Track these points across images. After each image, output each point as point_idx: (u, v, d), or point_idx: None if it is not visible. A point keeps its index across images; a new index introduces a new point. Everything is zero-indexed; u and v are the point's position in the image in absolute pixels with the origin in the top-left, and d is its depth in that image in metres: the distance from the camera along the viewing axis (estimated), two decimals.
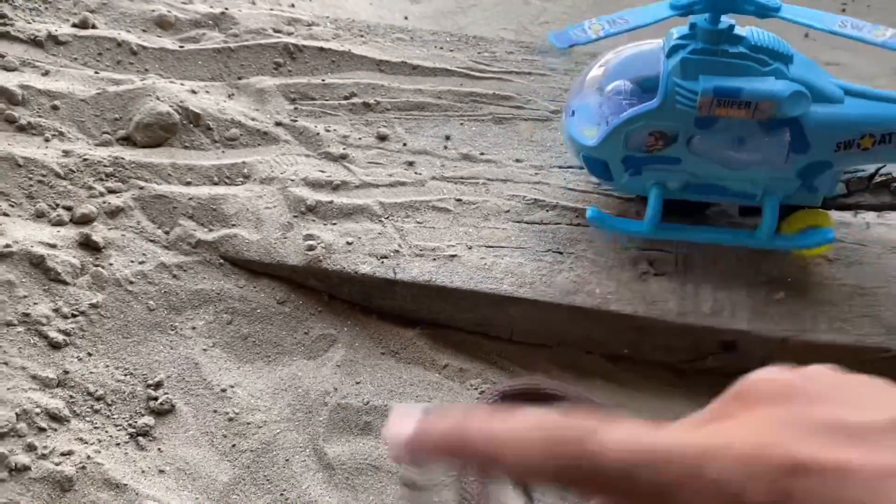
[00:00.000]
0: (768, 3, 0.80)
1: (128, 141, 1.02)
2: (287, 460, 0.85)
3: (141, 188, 0.97)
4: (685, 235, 0.94)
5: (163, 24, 1.17)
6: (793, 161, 0.86)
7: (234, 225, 0.97)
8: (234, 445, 0.85)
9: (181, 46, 1.14)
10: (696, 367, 0.96)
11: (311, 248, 0.95)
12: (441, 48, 1.23)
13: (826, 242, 0.92)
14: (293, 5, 1.35)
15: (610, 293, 0.93)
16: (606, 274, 0.95)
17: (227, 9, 1.20)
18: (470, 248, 0.97)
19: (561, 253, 0.97)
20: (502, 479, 0.71)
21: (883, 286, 0.94)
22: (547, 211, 1.01)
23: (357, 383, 0.91)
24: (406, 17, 1.48)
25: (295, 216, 0.98)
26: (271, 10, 1.25)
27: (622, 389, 0.95)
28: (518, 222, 1.00)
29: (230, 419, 0.86)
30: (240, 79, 1.14)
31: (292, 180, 1.01)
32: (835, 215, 1.01)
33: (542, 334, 0.97)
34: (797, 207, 0.93)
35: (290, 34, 1.20)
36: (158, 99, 1.03)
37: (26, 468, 0.76)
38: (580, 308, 0.93)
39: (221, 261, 0.95)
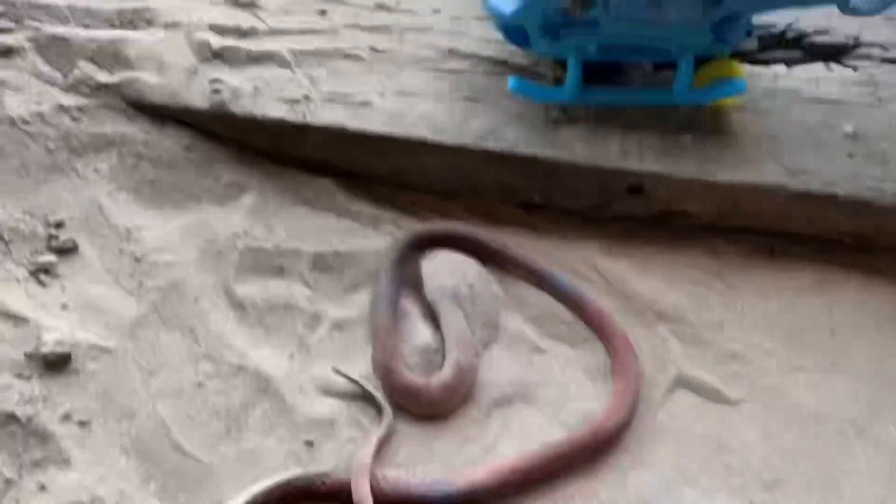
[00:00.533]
0: None
1: None
2: (196, 299, 0.85)
3: (36, 29, 0.93)
4: (606, 99, 0.95)
5: None
6: (707, 15, 0.87)
7: (136, 68, 0.94)
8: (141, 284, 0.84)
9: None
10: (605, 212, 0.98)
11: (216, 91, 0.93)
12: None
13: (738, 93, 0.94)
14: None
15: (521, 138, 0.94)
16: (519, 120, 0.95)
17: None
18: (383, 95, 0.96)
19: (475, 100, 0.97)
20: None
21: (786, 132, 0.97)
22: (463, 60, 1.01)
23: (268, 228, 0.91)
24: None
25: (200, 61, 0.96)
26: None
27: (534, 235, 0.97)
28: (433, 71, 1.00)
29: (137, 259, 0.85)
30: None
31: (198, 25, 0.98)
32: (747, 69, 1.03)
33: (457, 182, 0.98)
34: (708, 59, 0.95)
35: None
36: None
37: None
38: (492, 152, 0.93)
39: (124, 105, 0.93)
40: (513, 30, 0.92)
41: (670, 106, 0.96)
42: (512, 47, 0.96)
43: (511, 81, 0.92)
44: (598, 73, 0.96)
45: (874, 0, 0.89)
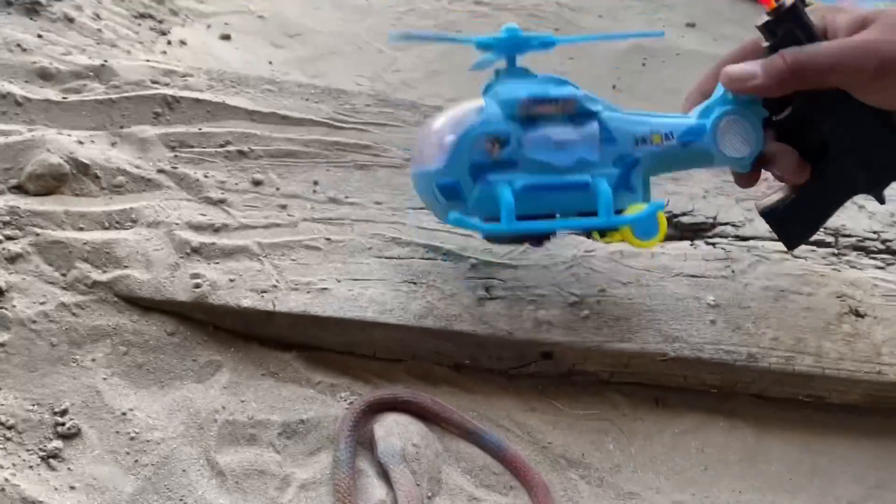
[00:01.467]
0: (546, 39, 1.03)
1: (20, 190, 1.11)
2: (184, 470, 0.98)
3: (37, 235, 1.06)
4: (538, 227, 1.05)
5: (45, 76, 1.25)
6: (606, 152, 1.06)
7: (126, 266, 1.08)
8: (136, 461, 0.97)
9: (64, 98, 1.23)
10: (522, 372, 1.18)
11: (197, 285, 1.08)
12: (307, 99, 1.39)
13: (658, 209, 1.08)
14: (165, 52, 1.46)
15: (454, 315, 1.13)
16: (451, 300, 1.15)
17: (106, 61, 1.30)
18: (339, 281, 1.14)
19: (415, 283, 1.16)
20: None
21: (662, 304, 1.20)
22: (403, 247, 1.20)
23: (242, 401, 1.06)
24: (271, 62, 1.63)
25: (181, 257, 1.11)
26: (147, 61, 1.36)
27: (463, 393, 1.15)
28: (379, 257, 1.18)
29: (132, 438, 0.98)
30: (122, 128, 1.24)
31: (177, 224, 1.14)
32: (627, 248, 1.27)
33: (400, 351, 1.16)
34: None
35: (166, 85, 1.31)
36: (49, 150, 1.13)
37: None
38: (431, 329, 1.12)
39: (116, 299, 1.06)
40: (445, 188, 1.04)
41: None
42: (445, 217, 1.07)
43: (450, 214, 1.04)
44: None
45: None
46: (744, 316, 1.21)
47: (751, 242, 1.34)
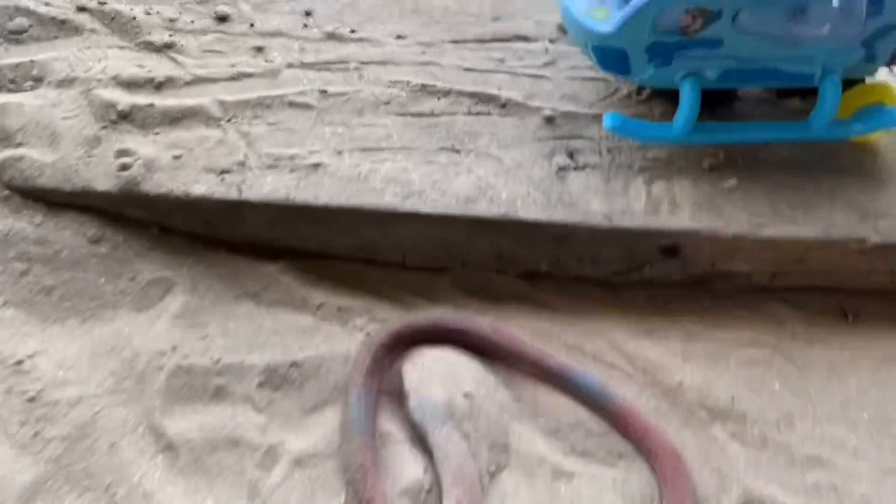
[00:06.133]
0: None
1: None
2: (112, 445, 0.72)
3: None
4: (727, 137, 0.84)
5: None
6: (866, 27, 0.80)
7: (20, 144, 0.82)
8: (36, 434, 0.72)
9: None
10: (632, 278, 0.85)
11: (124, 166, 0.79)
12: None
13: (894, 125, 0.84)
14: None
15: (519, 197, 0.80)
16: (515, 173, 0.82)
17: None
18: (340, 152, 0.84)
19: (458, 151, 0.84)
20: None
21: (858, 164, 0.83)
22: (439, 99, 0.89)
23: (203, 337, 0.79)
24: None
25: (103, 127, 0.83)
26: None
27: (543, 313, 0.85)
28: (402, 115, 0.87)
29: (30, 399, 0.73)
30: None
31: (99, 80, 0.86)
32: None
33: (442, 255, 0.85)
34: (849, 84, 0.84)
35: None
36: None
37: None
38: (483, 219, 0.80)
39: (7, 192, 0.80)
40: (608, 53, 0.81)
41: (805, 142, 0.85)
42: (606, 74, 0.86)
43: (608, 119, 0.81)
44: (705, 104, 0.85)
45: None
46: None
47: None
